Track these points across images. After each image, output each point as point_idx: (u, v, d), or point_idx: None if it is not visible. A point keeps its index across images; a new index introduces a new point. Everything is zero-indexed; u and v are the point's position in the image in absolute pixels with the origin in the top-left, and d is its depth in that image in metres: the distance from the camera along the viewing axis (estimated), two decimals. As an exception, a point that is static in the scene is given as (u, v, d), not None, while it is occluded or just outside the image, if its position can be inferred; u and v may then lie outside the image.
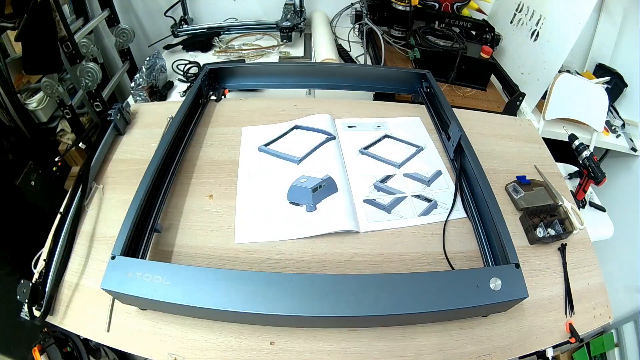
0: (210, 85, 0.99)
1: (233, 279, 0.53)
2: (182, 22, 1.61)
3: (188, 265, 0.64)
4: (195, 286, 0.53)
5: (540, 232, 0.74)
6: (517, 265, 0.57)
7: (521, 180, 0.83)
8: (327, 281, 0.54)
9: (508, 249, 0.59)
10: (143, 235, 0.63)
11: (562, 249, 0.72)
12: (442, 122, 0.92)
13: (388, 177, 0.81)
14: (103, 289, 0.53)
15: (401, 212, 0.74)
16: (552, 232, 0.74)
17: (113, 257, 0.55)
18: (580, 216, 0.79)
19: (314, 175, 0.78)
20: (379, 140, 0.90)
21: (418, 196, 0.77)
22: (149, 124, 0.92)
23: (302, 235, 0.69)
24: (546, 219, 0.76)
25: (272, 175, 0.80)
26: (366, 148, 0.87)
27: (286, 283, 0.53)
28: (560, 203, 0.80)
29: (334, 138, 0.87)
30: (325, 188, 0.76)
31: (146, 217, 0.66)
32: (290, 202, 0.74)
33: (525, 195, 0.81)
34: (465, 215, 0.74)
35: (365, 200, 0.76)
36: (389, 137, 0.91)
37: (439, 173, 0.83)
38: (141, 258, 0.61)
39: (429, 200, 0.77)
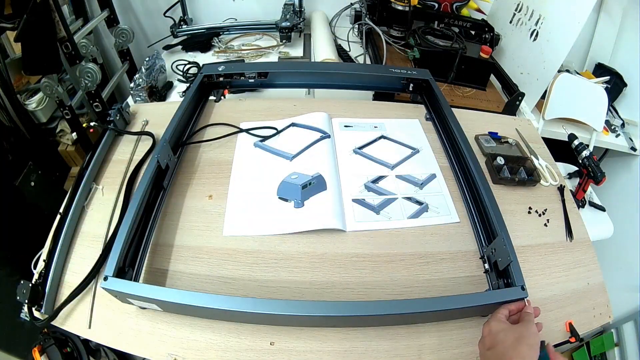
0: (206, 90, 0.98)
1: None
2: (182, 23, 1.60)
3: (183, 286, 0.62)
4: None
5: (504, 173, 0.78)
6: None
7: (493, 136, 0.89)
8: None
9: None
10: (139, 250, 0.63)
11: (561, 190, 0.74)
12: (439, 117, 0.92)
13: (380, 178, 0.80)
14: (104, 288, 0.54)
15: (390, 213, 0.74)
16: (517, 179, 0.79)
17: (105, 279, 0.54)
18: (555, 174, 0.78)
19: (306, 173, 0.78)
20: (375, 140, 0.89)
21: (409, 198, 0.77)
22: (149, 124, 0.92)
23: (287, 231, 0.69)
24: (513, 166, 0.79)
25: (265, 170, 0.80)
26: (361, 148, 0.87)
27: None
28: (529, 157, 0.82)
29: (329, 137, 0.87)
30: (314, 185, 0.76)
31: (143, 230, 0.65)
32: (280, 198, 0.75)
33: (496, 146, 0.84)
34: (459, 220, 0.73)
35: (354, 200, 0.75)
36: (385, 138, 0.90)
37: (433, 176, 0.82)
38: (136, 275, 0.60)
39: (420, 203, 0.76)
